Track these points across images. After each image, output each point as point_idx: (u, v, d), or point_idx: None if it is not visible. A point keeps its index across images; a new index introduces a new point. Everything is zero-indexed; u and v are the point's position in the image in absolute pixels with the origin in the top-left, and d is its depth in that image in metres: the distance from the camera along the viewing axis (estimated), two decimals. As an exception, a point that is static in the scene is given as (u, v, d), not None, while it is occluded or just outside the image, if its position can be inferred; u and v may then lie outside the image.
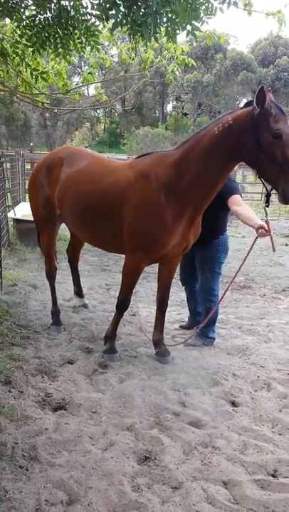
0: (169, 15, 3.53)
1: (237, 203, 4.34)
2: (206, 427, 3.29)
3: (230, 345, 4.82)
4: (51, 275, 5.12)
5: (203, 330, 4.74)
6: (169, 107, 60.15)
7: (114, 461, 2.81)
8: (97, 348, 4.44)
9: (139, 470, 2.78)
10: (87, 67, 7.86)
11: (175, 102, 56.17)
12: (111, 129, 57.73)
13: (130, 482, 2.66)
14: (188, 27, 3.63)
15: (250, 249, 4.25)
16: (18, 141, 35.73)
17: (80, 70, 40.58)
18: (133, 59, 7.36)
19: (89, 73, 7.15)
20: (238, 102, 53.43)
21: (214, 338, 4.83)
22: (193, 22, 3.49)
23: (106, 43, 7.80)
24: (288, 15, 5.59)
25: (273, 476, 2.83)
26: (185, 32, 3.70)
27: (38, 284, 6.34)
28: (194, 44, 43.59)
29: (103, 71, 39.34)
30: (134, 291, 6.56)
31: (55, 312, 5.00)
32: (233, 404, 3.66)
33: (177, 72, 7.53)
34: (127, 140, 41.61)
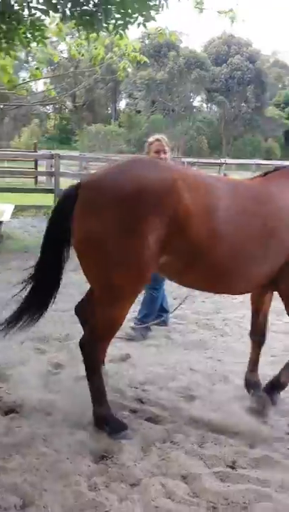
0: (119, 6, 3.49)
1: None
2: (164, 423, 3.26)
3: (188, 340, 4.82)
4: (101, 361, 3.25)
5: (142, 320, 4.80)
6: (122, 104, 60.01)
7: (70, 461, 2.73)
8: (50, 349, 4.33)
9: (95, 469, 2.72)
10: (35, 62, 7.70)
11: (128, 99, 56.04)
12: (61, 125, 56.93)
13: (87, 482, 2.60)
14: (140, 19, 3.59)
15: None
16: None
17: (27, 65, 39.83)
18: (82, 55, 7.26)
19: (36, 68, 7.00)
20: (191, 100, 53.93)
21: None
22: (144, 13, 3.45)
23: (54, 39, 7.65)
24: (240, 13, 5.66)
25: (232, 467, 2.84)
26: (136, 28, 3.67)
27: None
28: (146, 42, 43.67)
29: (52, 66, 38.64)
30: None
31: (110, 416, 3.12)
32: (191, 398, 3.65)
33: (129, 69, 7.51)
34: (79, 137, 41.36)
